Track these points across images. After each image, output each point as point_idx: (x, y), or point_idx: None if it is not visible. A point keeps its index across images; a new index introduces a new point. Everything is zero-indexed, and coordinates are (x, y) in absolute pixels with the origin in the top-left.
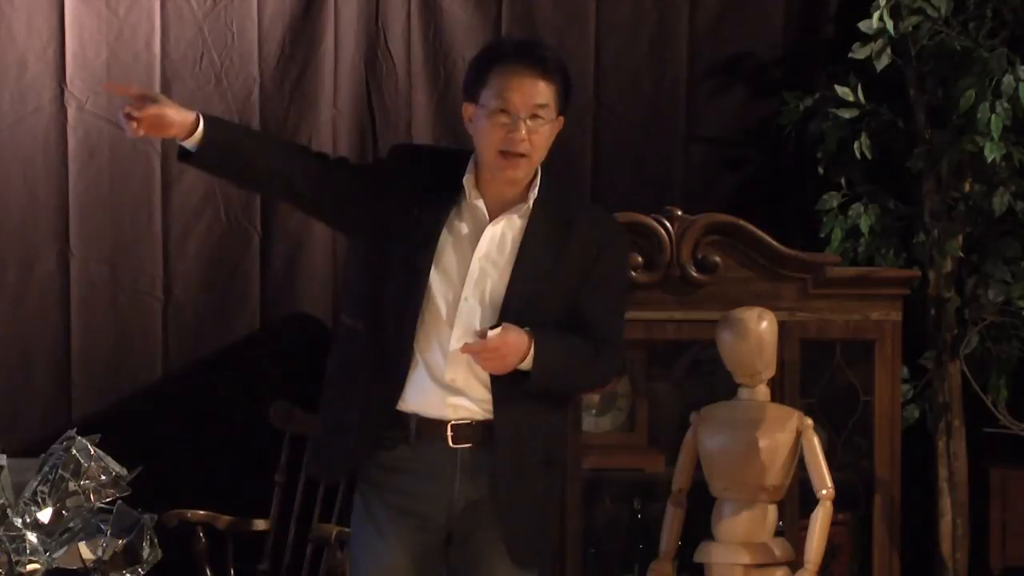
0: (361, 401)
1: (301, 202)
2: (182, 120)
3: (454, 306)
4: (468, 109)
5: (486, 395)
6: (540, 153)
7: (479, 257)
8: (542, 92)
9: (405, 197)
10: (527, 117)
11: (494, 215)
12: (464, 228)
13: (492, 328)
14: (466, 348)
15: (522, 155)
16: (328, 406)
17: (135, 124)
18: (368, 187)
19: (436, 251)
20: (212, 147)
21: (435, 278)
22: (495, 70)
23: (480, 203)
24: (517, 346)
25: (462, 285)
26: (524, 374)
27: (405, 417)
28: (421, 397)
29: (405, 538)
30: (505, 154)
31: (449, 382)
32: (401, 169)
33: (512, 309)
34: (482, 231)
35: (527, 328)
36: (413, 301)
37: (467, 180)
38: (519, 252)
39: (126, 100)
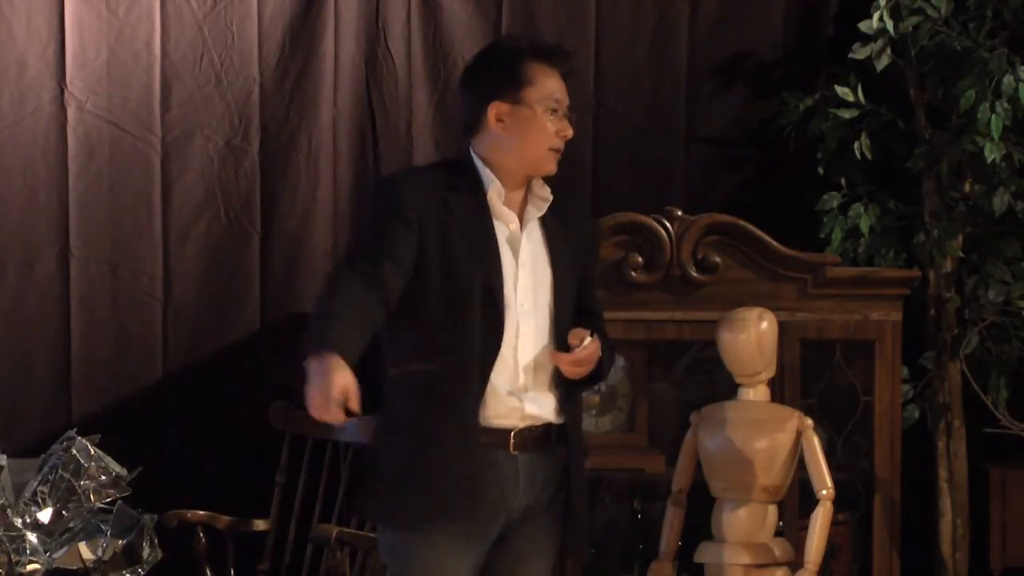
0: (448, 433)
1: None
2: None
3: (515, 315)
4: (500, 108)
5: (551, 399)
6: None
7: (523, 264)
8: (566, 90)
9: (439, 227)
10: (566, 115)
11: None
12: (503, 237)
13: (590, 336)
14: (568, 357)
15: (560, 151)
16: (402, 451)
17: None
18: (411, 247)
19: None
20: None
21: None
22: (537, 68)
23: (507, 209)
24: (599, 350)
25: (515, 293)
26: (589, 374)
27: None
28: (488, 409)
29: (469, 548)
30: (551, 150)
31: (521, 392)
32: (413, 202)
33: (562, 312)
34: (516, 237)
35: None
36: (497, 320)
37: (495, 188)
38: (551, 255)
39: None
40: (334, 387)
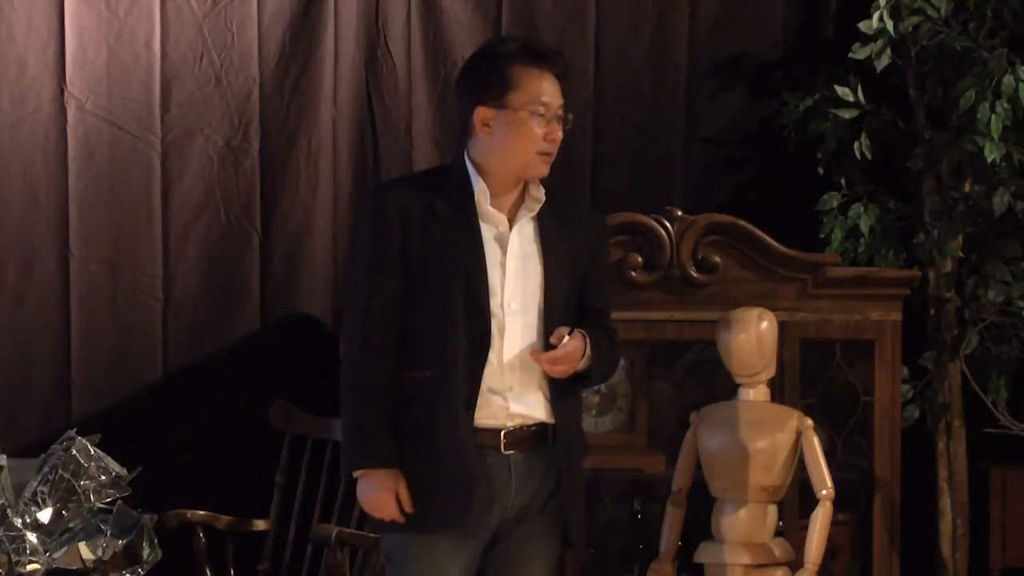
0: (440, 436)
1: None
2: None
3: (501, 316)
4: (484, 113)
5: (541, 398)
6: None
7: (511, 263)
8: (560, 92)
9: (422, 233)
10: (557, 117)
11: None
12: (491, 237)
13: (569, 334)
14: (545, 356)
15: (550, 154)
16: (416, 459)
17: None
18: (397, 264)
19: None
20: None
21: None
22: (523, 71)
23: (494, 210)
24: (582, 348)
25: (502, 292)
26: (576, 373)
27: None
28: (478, 409)
29: (462, 548)
30: (540, 154)
31: (506, 390)
32: (394, 213)
33: (552, 311)
34: (504, 237)
35: (576, 329)
36: (482, 320)
37: (481, 189)
38: (543, 254)
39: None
40: (390, 500)
